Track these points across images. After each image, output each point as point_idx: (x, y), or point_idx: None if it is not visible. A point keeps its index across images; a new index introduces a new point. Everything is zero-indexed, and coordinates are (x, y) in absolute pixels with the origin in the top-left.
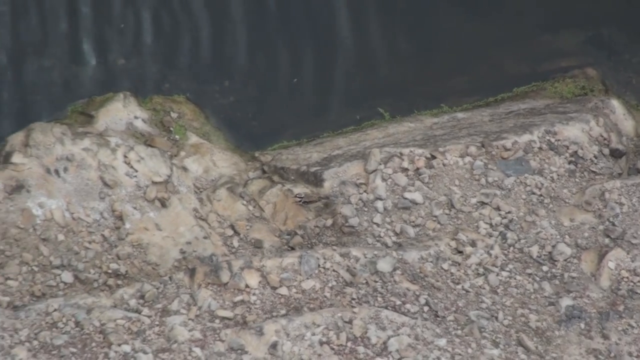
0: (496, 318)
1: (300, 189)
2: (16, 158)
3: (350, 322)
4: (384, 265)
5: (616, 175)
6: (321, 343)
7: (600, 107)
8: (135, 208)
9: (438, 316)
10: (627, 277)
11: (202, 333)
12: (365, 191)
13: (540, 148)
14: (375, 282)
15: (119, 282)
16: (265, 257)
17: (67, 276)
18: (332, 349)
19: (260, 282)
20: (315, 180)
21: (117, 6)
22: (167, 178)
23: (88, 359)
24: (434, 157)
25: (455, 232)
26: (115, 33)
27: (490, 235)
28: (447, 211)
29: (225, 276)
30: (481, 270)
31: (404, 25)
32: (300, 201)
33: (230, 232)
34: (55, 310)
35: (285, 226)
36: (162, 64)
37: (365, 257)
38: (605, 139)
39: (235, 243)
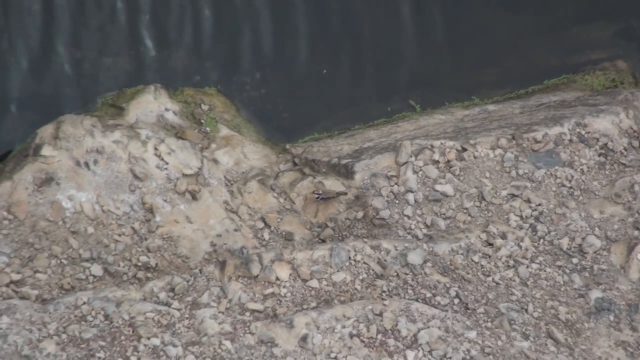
0: (526, 310)
1: (331, 182)
2: (46, 150)
3: (380, 314)
4: (415, 258)
5: None
6: (351, 336)
7: (630, 99)
8: (165, 201)
9: (468, 308)
10: None
11: (232, 326)
12: (396, 183)
13: (570, 140)
14: (406, 274)
15: (149, 275)
16: (296, 249)
17: (97, 269)
18: (363, 341)
19: (290, 274)
20: (347, 172)
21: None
22: (198, 170)
23: (117, 352)
24: (464, 150)
25: (486, 225)
26: (146, 24)
27: (521, 228)
28: (477, 203)
29: (255, 269)
30: (511, 262)
31: (435, 18)
32: (318, 197)
33: (261, 224)
34: (84, 303)
35: (316, 218)
36: (193, 56)
37: (396, 250)
38: (635, 132)
39: (266, 235)
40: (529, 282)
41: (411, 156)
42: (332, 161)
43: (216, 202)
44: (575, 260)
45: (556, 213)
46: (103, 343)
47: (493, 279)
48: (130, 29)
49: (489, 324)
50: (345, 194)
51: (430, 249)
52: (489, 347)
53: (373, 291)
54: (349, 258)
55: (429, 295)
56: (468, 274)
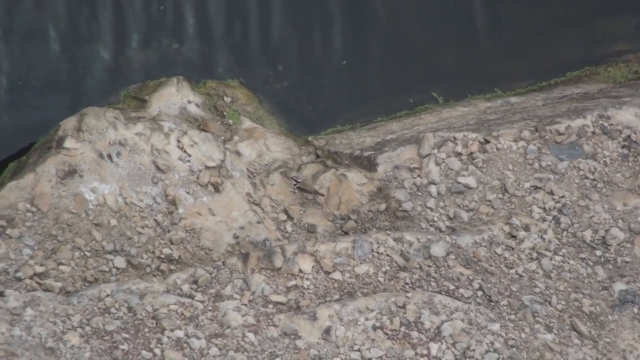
0: (549, 302)
1: (354, 174)
2: (69, 143)
3: (403, 306)
4: (438, 250)
5: None
6: (374, 328)
7: None
8: (188, 193)
9: (491, 301)
10: None
11: (256, 318)
12: (418, 175)
13: (593, 132)
14: (429, 266)
15: (172, 267)
16: (319, 241)
17: (120, 261)
18: (386, 333)
19: (313, 266)
20: (369, 164)
21: None
22: (221, 162)
23: (140, 344)
24: (487, 142)
25: (509, 217)
26: (168, 17)
27: (544, 220)
28: (500, 195)
29: (278, 261)
30: (534, 254)
31: (457, 10)
32: (295, 185)
33: (283, 216)
34: (107, 295)
35: (339, 210)
36: (216, 48)
37: (419, 242)
38: None
39: (289, 228)
40: (552, 275)
41: (434, 148)
42: (355, 153)
43: (239, 194)
44: (598, 253)
45: (579, 205)
46: (126, 335)
47: (516, 271)
48: (153, 21)
49: (513, 317)
50: (323, 195)
51: (453, 241)
52: (513, 339)
53: (396, 283)
54: (372, 250)
55: (452, 287)
56: (491, 266)
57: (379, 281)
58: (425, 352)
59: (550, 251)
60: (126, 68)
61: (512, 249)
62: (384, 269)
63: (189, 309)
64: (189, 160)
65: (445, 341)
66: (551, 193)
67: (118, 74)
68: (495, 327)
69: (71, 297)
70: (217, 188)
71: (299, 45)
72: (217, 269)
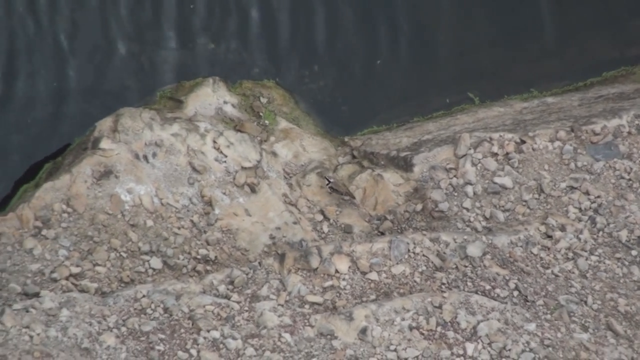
0: (585, 302)
1: (390, 174)
2: (105, 144)
3: (440, 307)
4: (474, 250)
5: None
6: (411, 328)
7: None
8: (224, 193)
9: (527, 301)
10: None
11: (292, 318)
12: (455, 176)
13: (629, 132)
14: (465, 266)
15: (208, 267)
16: (355, 242)
17: (156, 262)
18: (422, 334)
19: (350, 267)
20: (405, 165)
21: None
22: (257, 163)
23: (177, 345)
24: (523, 142)
25: (545, 217)
26: (204, 17)
27: (580, 220)
28: (536, 196)
29: (315, 261)
30: (570, 254)
31: (493, 10)
32: (327, 184)
33: (319, 217)
34: (144, 296)
35: (375, 211)
36: (252, 48)
37: (455, 242)
38: None
39: (325, 228)
40: (588, 274)
41: (470, 148)
42: (391, 154)
43: (275, 195)
44: (634, 252)
45: (615, 205)
46: (163, 336)
47: (552, 271)
48: (188, 21)
49: (549, 316)
50: (354, 197)
51: (490, 242)
52: (549, 339)
53: (432, 283)
54: (408, 250)
55: (488, 287)
56: (527, 266)
57: (415, 281)
58: (461, 352)
59: (586, 251)
60: (162, 68)
61: (548, 249)
62: (420, 269)
63: (225, 310)
64: (225, 161)
65: (482, 341)
66: (587, 193)
67: (155, 74)
68: (532, 326)
69: (107, 298)
70: (253, 189)
71: (335, 45)
72: (254, 269)
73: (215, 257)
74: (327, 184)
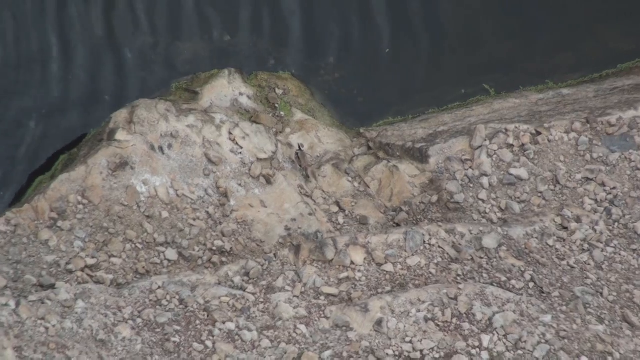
0: (601, 294)
1: (406, 166)
2: (120, 135)
3: (455, 298)
4: (490, 242)
5: None
6: (426, 320)
7: None
8: (240, 185)
9: (543, 292)
10: None
11: (307, 310)
12: (470, 167)
13: None
14: (481, 258)
15: (224, 259)
16: (371, 233)
17: (172, 253)
18: (437, 325)
19: (365, 258)
20: (421, 156)
21: None
22: (272, 155)
23: (192, 336)
24: (539, 133)
25: (560, 208)
26: (220, 9)
27: (595, 211)
28: (552, 187)
29: (330, 253)
30: (586, 246)
31: (509, 1)
32: (298, 150)
33: (335, 208)
34: (159, 287)
35: (391, 202)
36: (268, 40)
37: (471, 234)
38: None
39: (341, 220)
40: (604, 266)
41: (485, 140)
42: (407, 145)
43: (290, 186)
44: None
45: (631, 196)
46: (178, 327)
47: (568, 262)
48: (203, 13)
49: (564, 308)
50: (308, 176)
51: (505, 233)
52: (564, 330)
53: (448, 275)
54: (424, 242)
55: (503, 279)
56: (543, 257)
57: (430, 273)
58: (477, 343)
59: (601, 242)
60: (178, 59)
61: (564, 240)
62: (435, 261)
63: (241, 301)
64: (240, 153)
65: (497, 333)
66: (602, 184)
67: (170, 66)
68: (547, 318)
69: (122, 289)
70: (268, 180)
71: (351, 37)
72: (269, 260)
73: (231, 248)
74: (297, 150)
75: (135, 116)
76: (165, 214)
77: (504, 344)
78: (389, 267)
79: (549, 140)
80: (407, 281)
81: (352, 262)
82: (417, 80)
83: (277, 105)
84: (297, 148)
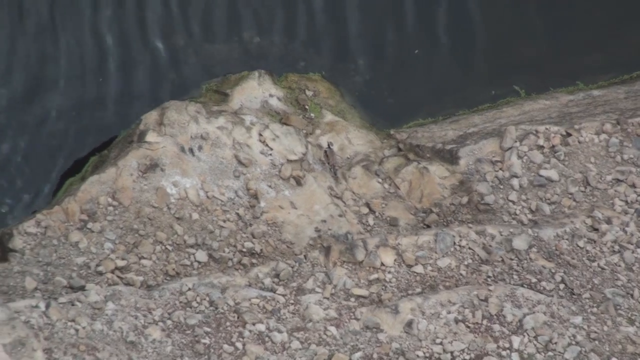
0: (632, 295)
1: (436, 167)
2: (150, 137)
3: (485, 300)
4: (520, 243)
5: None
6: (457, 321)
7: None
8: (270, 186)
9: (574, 294)
10: None
11: (337, 312)
12: (500, 169)
13: None
14: (511, 259)
15: (254, 260)
16: (401, 235)
17: (202, 255)
18: (468, 327)
19: (395, 260)
20: (451, 157)
21: None
22: (302, 156)
23: (222, 338)
24: (569, 135)
25: (591, 210)
26: (250, 10)
27: (626, 213)
28: (582, 188)
29: (360, 254)
30: (617, 247)
31: (539, 2)
32: (327, 147)
33: (365, 210)
34: (189, 289)
35: (421, 204)
36: (298, 42)
37: (501, 235)
38: None
39: (371, 221)
40: (634, 267)
41: (516, 141)
42: (437, 146)
43: (321, 188)
44: None
45: None
46: (208, 329)
47: (598, 264)
48: (234, 15)
49: (595, 310)
50: (336, 175)
51: (535, 234)
52: (595, 332)
53: (478, 276)
54: (454, 243)
55: (534, 280)
56: (573, 259)
57: (461, 274)
58: (507, 345)
59: (632, 244)
60: (208, 61)
61: (594, 241)
62: (466, 262)
63: (271, 303)
64: (270, 154)
65: (528, 334)
66: (633, 186)
67: (200, 68)
68: (578, 320)
69: (153, 291)
70: (299, 181)
71: (381, 38)
72: (299, 262)
73: (261, 250)
74: (326, 148)
75: (165, 118)
76: (195, 216)
77: (535, 345)
78: (419, 268)
79: (579, 142)
80: (437, 283)
81: (383, 264)
82: (447, 81)
83: (307, 107)
84: (327, 146)
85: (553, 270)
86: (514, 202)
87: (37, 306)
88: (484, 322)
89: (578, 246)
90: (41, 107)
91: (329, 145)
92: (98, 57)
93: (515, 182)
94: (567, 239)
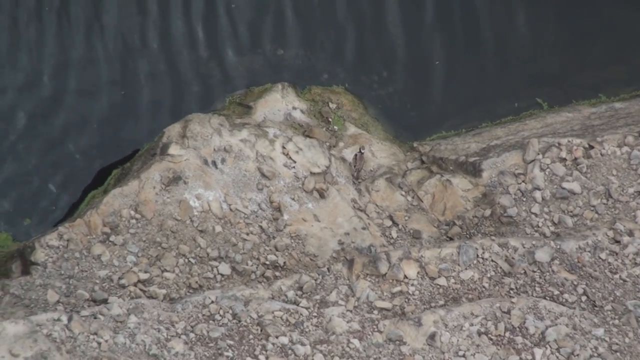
0: None
1: (459, 180)
2: (173, 149)
3: (508, 312)
4: (542, 255)
5: None
6: (479, 333)
7: None
8: (293, 199)
9: (596, 306)
10: None
11: (361, 324)
12: (523, 181)
13: None
14: (534, 272)
15: (277, 273)
16: (424, 247)
17: (225, 268)
18: (490, 339)
19: (418, 272)
20: (474, 170)
21: None
22: (326, 169)
23: (245, 351)
24: (591, 147)
25: (613, 222)
26: (273, 24)
27: None
28: (604, 201)
29: (383, 267)
30: (638, 259)
31: (561, 14)
32: (357, 154)
33: (388, 222)
34: (212, 302)
35: (444, 216)
36: (321, 54)
37: (524, 247)
38: None
39: (394, 234)
40: None
41: (538, 154)
42: (460, 159)
43: (344, 201)
44: None
45: None
46: (231, 342)
47: (620, 276)
48: (257, 27)
49: (617, 321)
50: (358, 179)
51: (558, 247)
52: (617, 344)
53: (501, 289)
54: (477, 256)
55: (556, 292)
56: (595, 271)
57: (483, 287)
58: (529, 357)
59: None
60: (231, 73)
61: (616, 254)
62: (488, 275)
63: (294, 316)
64: (294, 167)
65: (550, 346)
66: None
67: (223, 80)
68: (600, 332)
69: (175, 304)
70: (322, 194)
71: (404, 51)
72: (322, 275)
73: (284, 262)
74: (358, 152)
75: (188, 130)
76: (218, 229)
77: (557, 357)
78: (442, 281)
79: (602, 154)
80: (460, 295)
81: (406, 276)
82: (470, 94)
83: (330, 120)
84: (358, 150)
85: (575, 283)
86: (536, 215)
87: (59, 319)
88: (507, 334)
89: (600, 258)
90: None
91: (360, 149)
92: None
93: (537, 194)
94: (589, 251)
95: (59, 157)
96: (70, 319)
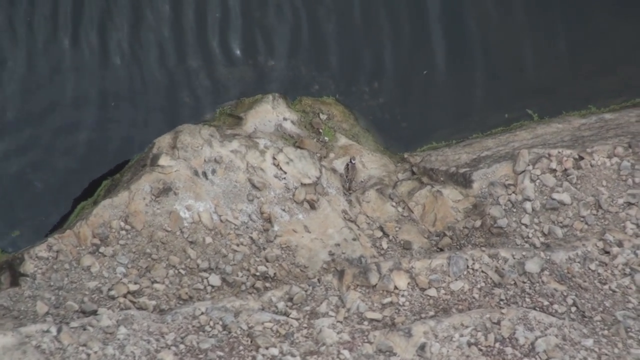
0: None
1: (449, 191)
2: (164, 160)
3: (498, 323)
4: (532, 266)
5: None
6: (469, 344)
7: None
8: (284, 210)
9: (585, 316)
10: None
11: (351, 335)
12: (513, 192)
13: None
14: (524, 282)
15: (267, 284)
16: (414, 258)
17: (215, 279)
18: (480, 350)
19: (409, 283)
20: (465, 181)
21: (271, 8)
22: (316, 180)
23: None
24: (581, 158)
25: (602, 233)
26: (265, 34)
27: (637, 236)
28: (594, 212)
29: (374, 278)
30: (628, 270)
31: (552, 26)
32: (350, 162)
33: (379, 233)
34: (202, 313)
35: (434, 227)
36: (312, 65)
37: (514, 258)
38: None
39: (384, 245)
40: None
41: (529, 165)
42: (450, 170)
43: (334, 212)
44: None
45: None
46: (221, 353)
47: (610, 286)
48: (249, 38)
49: (606, 332)
50: (350, 189)
51: (548, 257)
52: (606, 355)
53: (491, 300)
54: (467, 267)
55: (546, 303)
56: (585, 282)
57: (474, 297)
58: None
59: None
60: (222, 84)
61: (606, 264)
62: (479, 286)
63: (284, 327)
64: (284, 178)
65: (539, 357)
66: None
67: (214, 91)
68: (589, 342)
69: (165, 315)
70: (312, 205)
71: (395, 62)
72: (313, 286)
73: (274, 274)
74: (349, 162)
75: (178, 141)
76: (208, 240)
77: None
78: (432, 291)
79: (592, 165)
80: (450, 306)
81: (396, 287)
82: (460, 105)
83: (321, 130)
84: (349, 161)
85: (565, 293)
86: (526, 226)
87: (48, 331)
88: (497, 345)
89: (590, 269)
90: (52, 128)
91: (351, 159)
92: (113, 80)
93: (528, 205)
94: (578, 262)
95: (48, 167)
96: (59, 331)
